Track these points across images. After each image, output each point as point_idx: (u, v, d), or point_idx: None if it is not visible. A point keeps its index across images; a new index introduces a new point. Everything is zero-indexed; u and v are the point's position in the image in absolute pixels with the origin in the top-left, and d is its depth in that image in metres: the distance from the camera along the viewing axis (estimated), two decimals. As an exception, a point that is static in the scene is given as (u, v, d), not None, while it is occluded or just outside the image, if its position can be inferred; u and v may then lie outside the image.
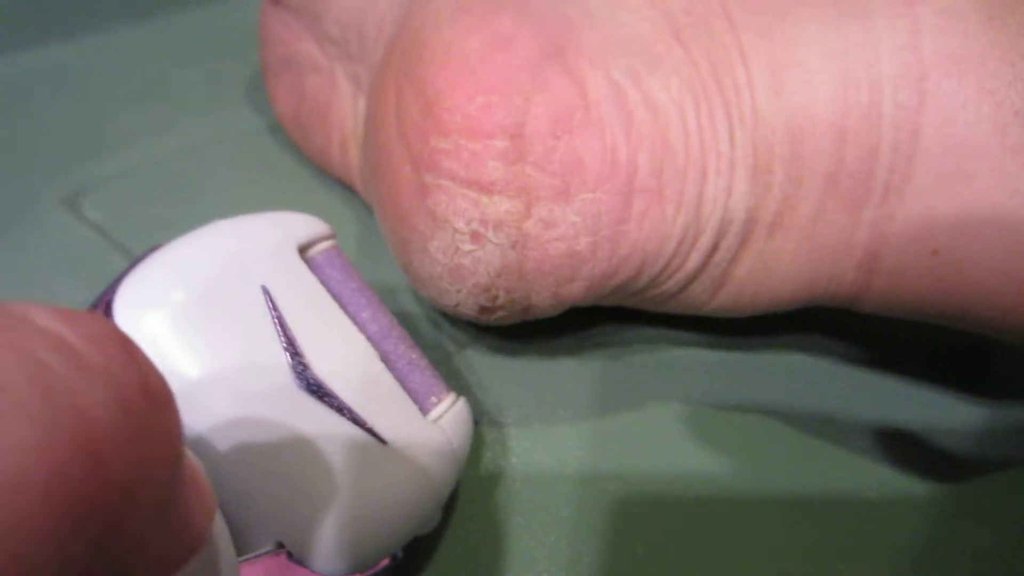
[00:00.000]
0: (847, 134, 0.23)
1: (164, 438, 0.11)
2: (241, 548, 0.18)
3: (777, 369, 0.30)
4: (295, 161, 0.36)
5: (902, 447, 0.28)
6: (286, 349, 0.19)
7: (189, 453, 0.13)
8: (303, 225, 0.21)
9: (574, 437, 0.27)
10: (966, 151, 0.22)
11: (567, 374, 0.29)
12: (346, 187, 0.34)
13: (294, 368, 0.18)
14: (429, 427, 0.21)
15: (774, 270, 0.25)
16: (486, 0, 0.25)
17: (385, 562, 0.20)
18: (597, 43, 0.24)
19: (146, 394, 0.11)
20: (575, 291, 0.24)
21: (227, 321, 0.18)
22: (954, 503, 0.27)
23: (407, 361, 0.22)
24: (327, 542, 0.18)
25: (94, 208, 0.33)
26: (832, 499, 0.27)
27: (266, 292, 0.19)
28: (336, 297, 0.21)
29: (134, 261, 0.19)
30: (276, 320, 0.19)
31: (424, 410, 0.21)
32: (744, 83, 0.24)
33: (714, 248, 0.25)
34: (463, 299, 0.25)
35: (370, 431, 0.19)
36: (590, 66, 0.23)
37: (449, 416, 0.21)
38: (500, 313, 0.25)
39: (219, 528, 0.14)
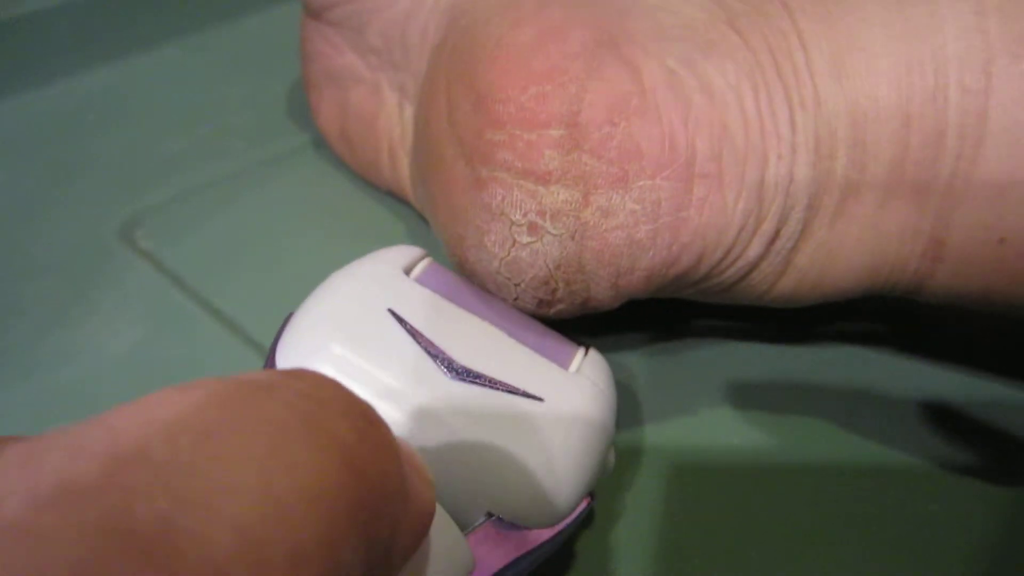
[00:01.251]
0: (912, 119, 0.23)
1: (386, 443, 0.13)
2: (460, 526, 0.20)
3: (834, 362, 0.30)
4: (342, 175, 0.36)
5: (964, 442, 0.28)
6: (428, 352, 0.21)
7: (403, 442, 0.15)
8: (400, 254, 0.24)
9: (626, 432, 0.27)
10: None
11: (622, 367, 0.29)
12: (396, 199, 0.34)
13: (441, 364, 0.21)
14: (573, 377, 0.22)
15: (836, 258, 0.25)
16: None
17: (583, 504, 0.21)
18: (650, 31, 0.24)
19: (365, 416, 0.13)
20: (635, 281, 0.24)
21: (377, 351, 0.21)
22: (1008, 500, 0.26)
23: (533, 332, 0.24)
24: (528, 499, 0.20)
25: (147, 238, 0.33)
26: (895, 504, 0.26)
27: (393, 314, 0.22)
28: (449, 299, 0.23)
29: (280, 329, 0.22)
30: (410, 332, 0.21)
31: (564, 366, 0.23)
32: (804, 67, 0.23)
33: (776, 235, 0.24)
34: (522, 292, 0.24)
35: (525, 394, 0.21)
36: (644, 53, 0.23)
37: (587, 364, 0.23)
38: (559, 306, 0.25)
39: (439, 511, 0.17)
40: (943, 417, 0.28)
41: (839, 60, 0.23)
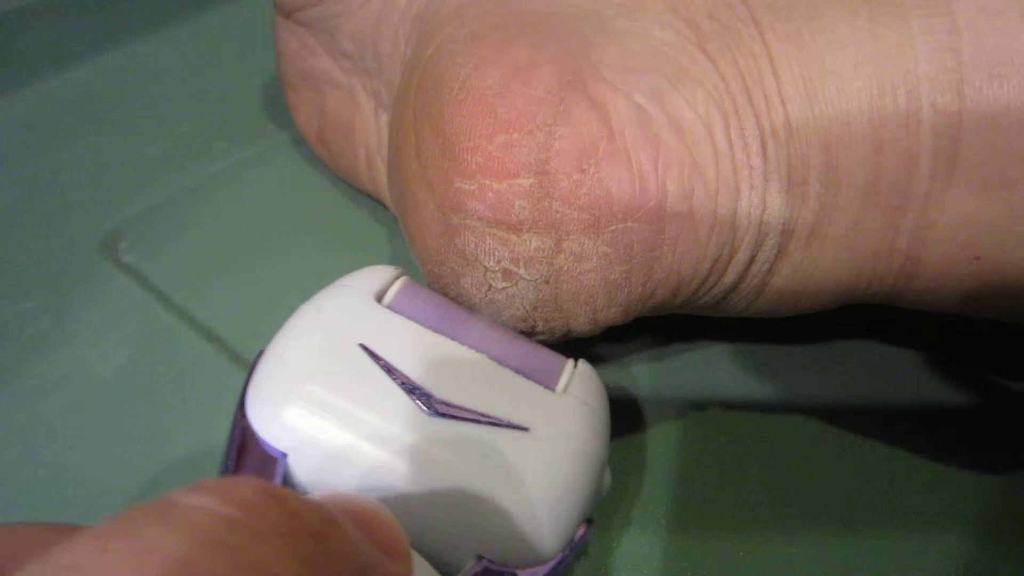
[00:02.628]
0: (884, 143, 0.22)
1: (338, 555, 0.13)
2: (448, 572, 0.20)
3: (819, 362, 0.30)
4: (322, 176, 0.36)
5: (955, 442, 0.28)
6: (404, 388, 0.20)
7: (375, 506, 0.15)
8: (370, 278, 0.23)
9: (627, 437, 0.28)
10: (1009, 156, 0.22)
11: (622, 370, 0.30)
12: (376, 201, 0.34)
13: (419, 400, 0.20)
14: (560, 398, 0.22)
15: (812, 278, 0.25)
16: (500, 25, 0.24)
17: (581, 530, 0.21)
18: (617, 62, 0.23)
19: (311, 534, 0.12)
20: (612, 315, 0.24)
21: (349, 387, 0.20)
22: (995, 497, 0.27)
23: (517, 351, 0.23)
24: (518, 539, 0.20)
25: (130, 251, 0.33)
26: (876, 504, 0.27)
27: (365, 349, 0.21)
28: (426, 324, 0.22)
29: (249, 372, 0.21)
30: (384, 368, 0.21)
31: (551, 386, 0.22)
32: (775, 93, 0.23)
33: (751, 262, 0.24)
34: (503, 324, 0.25)
35: (509, 424, 0.20)
36: (611, 91, 0.23)
37: (575, 381, 0.23)
38: (541, 337, 0.25)
39: (419, 564, 0.17)
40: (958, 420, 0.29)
41: (811, 85, 0.23)
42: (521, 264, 0.23)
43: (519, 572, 0.20)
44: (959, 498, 0.27)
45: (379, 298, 0.23)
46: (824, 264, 0.25)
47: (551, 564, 0.20)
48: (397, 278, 0.24)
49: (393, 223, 0.34)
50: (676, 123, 0.23)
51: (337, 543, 0.13)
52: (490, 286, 0.23)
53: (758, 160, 0.23)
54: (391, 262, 0.33)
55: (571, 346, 0.26)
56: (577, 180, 0.22)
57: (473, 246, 0.23)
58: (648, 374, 0.30)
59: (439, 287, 0.25)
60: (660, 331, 0.31)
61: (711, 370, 0.30)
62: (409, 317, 0.22)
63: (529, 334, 0.25)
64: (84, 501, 0.26)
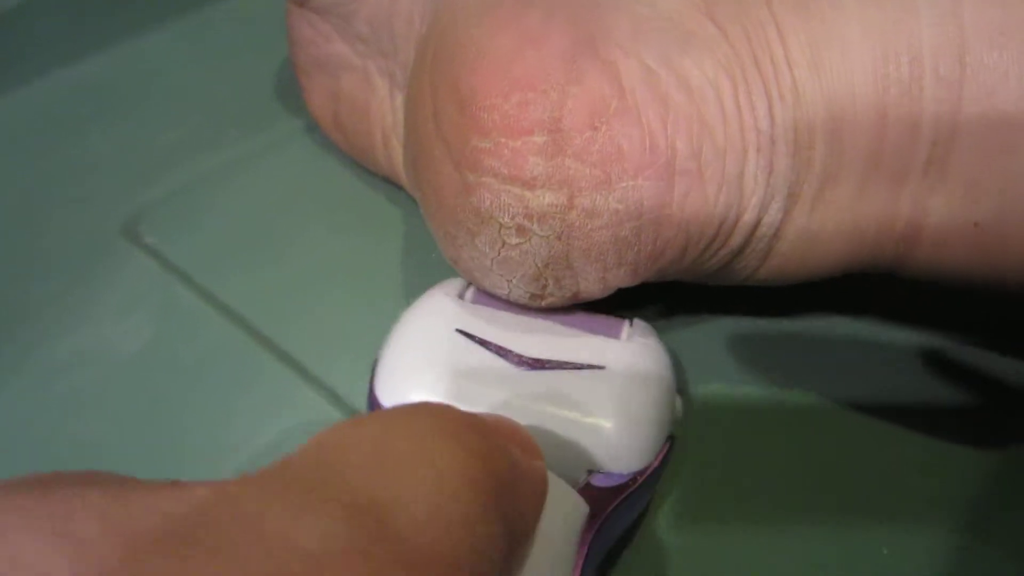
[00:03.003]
0: (888, 109, 0.23)
1: (498, 445, 0.17)
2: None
3: (819, 350, 0.31)
4: (337, 160, 0.37)
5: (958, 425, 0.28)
6: (499, 355, 0.24)
7: (509, 420, 0.19)
8: (452, 286, 0.27)
9: None
10: (1009, 124, 0.22)
11: None
12: (392, 184, 0.35)
13: (513, 361, 0.24)
14: (626, 343, 0.25)
15: (817, 243, 0.25)
16: None
17: (666, 446, 0.24)
18: (627, 28, 0.24)
19: (478, 427, 0.17)
20: (622, 275, 0.25)
21: (458, 366, 0.24)
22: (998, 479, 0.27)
23: (580, 317, 0.27)
24: (619, 449, 0.23)
25: (151, 234, 0.34)
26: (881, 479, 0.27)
27: (462, 332, 0.25)
28: (502, 309, 0.26)
29: (372, 373, 0.25)
30: (480, 343, 0.25)
31: (616, 337, 0.26)
32: (782, 59, 0.24)
33: (757, 224, 0.25)
34: (514, 287, 0.25)
35: (590, 366, 0.24)
36: (622, 53, 0.23)
37: (635, 331, 0.26)
38: (551, 299, 0.26)
39: (551, 476, 0.19)
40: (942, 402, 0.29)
41: (817, 51, 0.23)
42: (535, 220, 0.23)
43: (624, 477, 0.23)
44: (957, 486, 0.27)
45: (461, 297, 0.27)
46: (828, 229, 0.25)
47: (652, 466, 0.24)
48: (469, 284, 0.28)
49: (409, 205, 0.35)
50: (685, 84, 0.23)
51: (494, 438, 0.17)
52: (504, 243, 0.24)
53: (765, 123, 0.24)
54: (407, 244, 0.34)
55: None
56: (589, 137, 0.23)
57: (488, 203, 0.24)
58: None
59: (453, 250, 0.26)
60: (664, 303, 0.31)
61: (712, 355, 0.30)
62: (488, 305, 0.26)
63: (540, 296, 0.26)
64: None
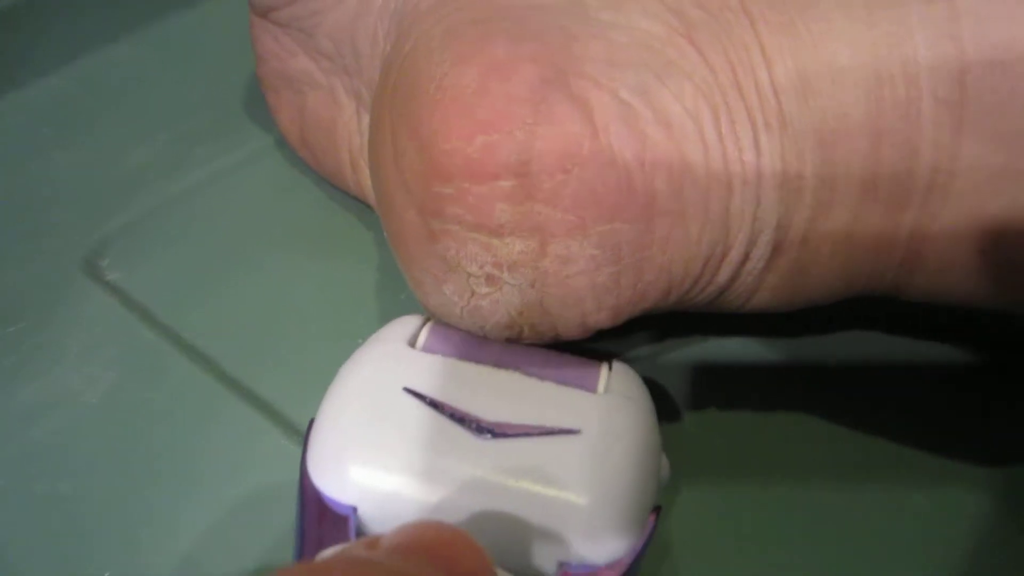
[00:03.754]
0: (883, 135, 0.21)
1: None
2: None
3: (818, 356, 0.30)
4: (308, 179, 0.35)
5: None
6: (453, 419, 0.21)
7: (452, 533, 0.16)
8: (402, 327, 0.24)
9: None
10: (1016, 146, 0.21)
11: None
12: (363, 203, 0.33)
13: (470, 428, 0.21)
14: (603, 397, 0.23)
15: (809, 274, 0.24)
16: (478, 20, 0.23)
17: (652, 519, 0.21)
18: (601, 57, 0.22)
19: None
20: (602, 319, 0.23)
21: (404, 432, 0.21)
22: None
23: (553, 363, 0.24)
24: (594, 537, 0.20)
25: (113, 269, 0.32)
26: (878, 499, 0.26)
27: (410, 391, 0.22)
28: (461, 357, 0.23)
29: (305, 439, 0.22)
30: (431, 404, 0.21)
31: (592, 388, 0.23)
32: (767, 85, 0.22)
33: (744, 260, 0.23)
34: (489, 332, 0.24)
35: (561, 431, 0.21)
36: (595, 86, 0.22)
37: (614, 379, 0.23)
38: (528, 341, 0.24)
39: None
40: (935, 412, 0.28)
41: (804, 76, 0.22)
42: (505, 269, 0.22)
43: (602, 570, 0.20)
44: (958, 489, 0.26)
45: (412, 343, 0.23)
46: (821, 261, 0.24)
47: (632, 556, 0.21)
48: (425, 323, 0.24)
49: (380, 226, 0.33)
50: (663, 118, 0.22)
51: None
52: (473, 292, 0.23)
53: (751, 155, 0.22)
54: (380, 267, 0.32)
55: (569, 348, 0.25)
56: (561, 181, 0.21)
57: (455, 251, 0.22)
58: (647, 370, 0.29)
59: (422, 294, 0.24)
60: (657, 326, 0.30)
61: (708, 365, 0.29)
62: (443, 354, 0.23)
63: (518, 339, 0.24)
64: (78, 533, 0.25)
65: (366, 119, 0.30)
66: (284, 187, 0.35)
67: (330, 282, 0.32)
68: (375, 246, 0.33)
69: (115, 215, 0.34)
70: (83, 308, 0.31)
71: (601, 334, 0.24)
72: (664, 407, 0.28)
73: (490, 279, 0.22)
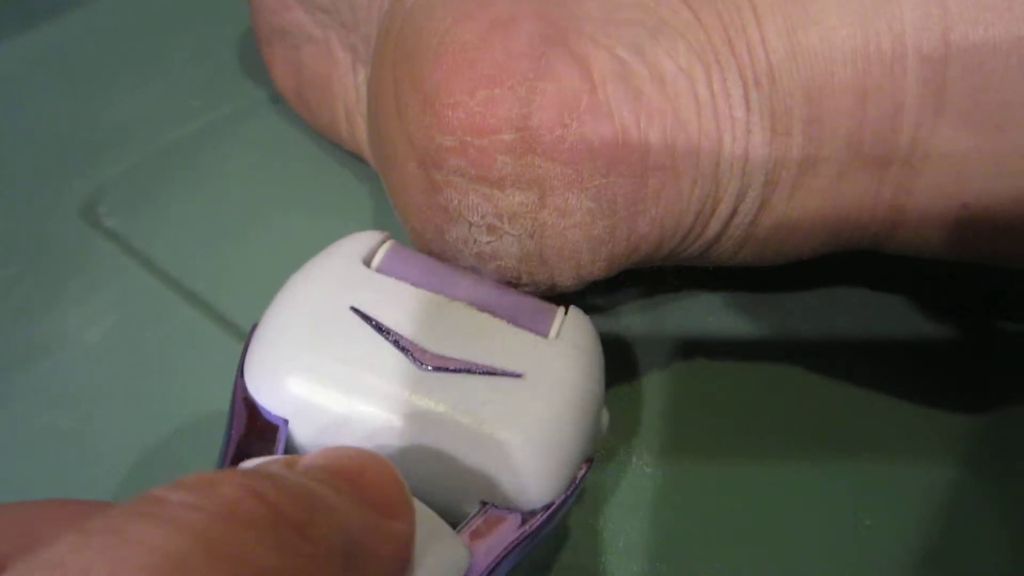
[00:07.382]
0: (869, 92, 0.22)
1: (323, 537, 0.13)
2: (455, 520, 0.20)
3: (805, 304, 0.31)
4: (303, 133, 0.36)
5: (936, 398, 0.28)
6: (398, 346, 0.21)
7: (372, 461, 0.16)
8: (358, 243, 0.23)
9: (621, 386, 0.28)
10: (996, 103, 0.22)
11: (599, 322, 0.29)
12: (358, 158, 0.34)
13: (413, 357, 0.21)
14: (553, 343, 0.22)
15: (796, 229, 0.25)
16: None
17: (583, 470, 0.21)
18: (598, 17, 0.23)
19: (292, 524, 0.13)
20: (596, 270, 0.24)
21: (343, 350, 0.20)
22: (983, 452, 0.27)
23: (507, 302, 0.23)
24: (520, 481, 0.20)
25: (111, 216, 0.33)
26: (859, 449, 0.27)
27: (357, 311, 0.21)
28: (415, 283, 0.23)
29: (245, 344, 0.22)
30: (377, 328, 0.21)
31: (542, 333, 0.22)
32: (758, 43, 0.23)
33: (733, 213, 0.24)
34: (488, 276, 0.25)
35: (504, 372, 0.21)
36: (593, 44, 0.22)
37: (567, 326, 0.23)
38: (526, 289, 0.25)
39: (427, 513, 0.17)
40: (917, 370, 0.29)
41: (794, 35, 0.23)
42: (505, 219, 0.23)
43: (524, 514, 0.20)
44: (944, 432, 0.27)
45: (367, 262, 0.23)
46: (808, 215, 0.25)
47: (556, 504, 0.20)
48: (384, 242, 0.24)
49: (375, 181, 0.33)
50: (658, 75, 0.22)
51: (322, 526, 0.13)
52: (475, 240, 0.23)
53: (741, 111, 0.23)
54: (374, 220, 0.33)
55: (561, 297, 0.26)
56: (560, 135, 0.22)
57: (456, 202, 0.23)
58: (638, 322, 0.30)
59: (422, 243, 0.25)
60: (649, 279, 0.31)
61: (699, 315, 0.30)
62: (398, 278, 0.22)
63: (515, 286, 0.25)
64: (77, 466, 0.26)
65: (362, 74, 0.31)
66: (279, 140, 0.36)
67: (327, 231, 0.32)
68: (369, 198, 0.33)
69: (110, 164, 0.34)
70: (82, 253, 0.32)
71: (595, 285, 0.25)
72: (630, 361, 0.29)
73: (491, 229, 0.23)
